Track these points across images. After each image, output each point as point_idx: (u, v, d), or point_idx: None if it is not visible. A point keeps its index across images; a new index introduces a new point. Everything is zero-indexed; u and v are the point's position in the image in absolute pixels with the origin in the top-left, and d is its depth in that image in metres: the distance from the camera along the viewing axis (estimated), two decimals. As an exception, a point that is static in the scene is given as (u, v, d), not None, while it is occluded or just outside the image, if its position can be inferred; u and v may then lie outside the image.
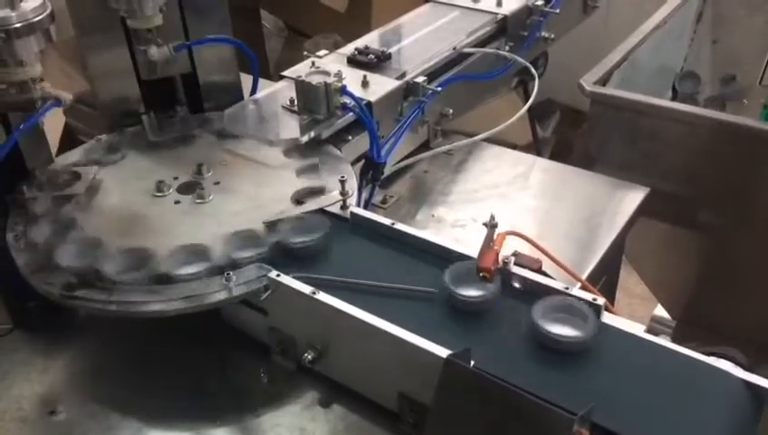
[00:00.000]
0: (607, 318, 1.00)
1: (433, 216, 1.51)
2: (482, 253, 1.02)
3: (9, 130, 1.25)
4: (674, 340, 0.98)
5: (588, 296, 1.01)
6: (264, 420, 1.08)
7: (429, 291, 1.05)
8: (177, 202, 1.25)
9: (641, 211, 1.50)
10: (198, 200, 1.25)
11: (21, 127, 1.21)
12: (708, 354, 0.95)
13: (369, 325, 0.97)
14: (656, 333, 1.00)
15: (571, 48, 2.17)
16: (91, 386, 1.17)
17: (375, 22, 2.78)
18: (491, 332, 0.99)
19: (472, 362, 0.87)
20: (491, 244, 1.03)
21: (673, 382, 0.91)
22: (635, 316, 2.40)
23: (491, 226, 1.03)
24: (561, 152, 3.20)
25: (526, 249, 1.14)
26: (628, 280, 2.55)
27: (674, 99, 2.33)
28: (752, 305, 1.92)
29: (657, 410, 0.88)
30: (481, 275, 1.01)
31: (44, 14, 1.15)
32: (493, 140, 1.72)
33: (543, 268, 1.11)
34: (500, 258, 1.05)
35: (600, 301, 0.99)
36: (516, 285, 1.05)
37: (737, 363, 0.94)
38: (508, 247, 1.10)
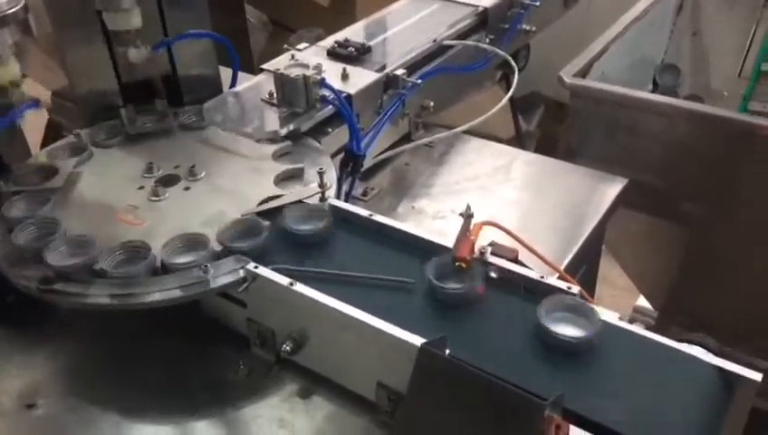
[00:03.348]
0: (583, 307, 1.01)
1: (413, 208, 1.51)
2: (458, 242, 1.03)
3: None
4: (656, 330, 0.99)
5: (563, 285, 1.02)
6: (244, 411, 1.08)
7: (407, 281, 1.06)
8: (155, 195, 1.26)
9: (620, 202, 1.52)
10: (153, 198, 1.25)
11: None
12: (681, 341, 0.96)
13: (345, 315, 0.97)
14: (632, 322, 1.01)
15: (556, 41, 2.18)
16: (71, 380, 1.17)
17: (359, 16, 2.78)
18: (471, 322, 1.00)
19: (447, 351, 0.88)
20: (467, 233, 1.04)
21: (645, 368, 0.92)
22: (618, 308, 2.40)
23: (467, 216, 1.04)
24: (545, 146, 3.21)
25: (506, 240, 1.15)
26: (612, 272, 2.57)
27: (654, 91, 2.34)
28: (732, 295, 1.94)
29: (628, 395, 0.89)
30: (457, 264, 1.01)
31: (18, 7, 1.15)
32: (477, 135, 1.72)
33: (522, 259, 1.12)
34: (476, 248, 1.05)
35: (575, 289, 1.00)
36: (493, 274, 1.05)
37: (709, 350, 0.96)
38: (487, 238, 1.11)
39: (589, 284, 1.61)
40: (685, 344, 0.96)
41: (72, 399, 1.12)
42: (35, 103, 1.27)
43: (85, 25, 1.37)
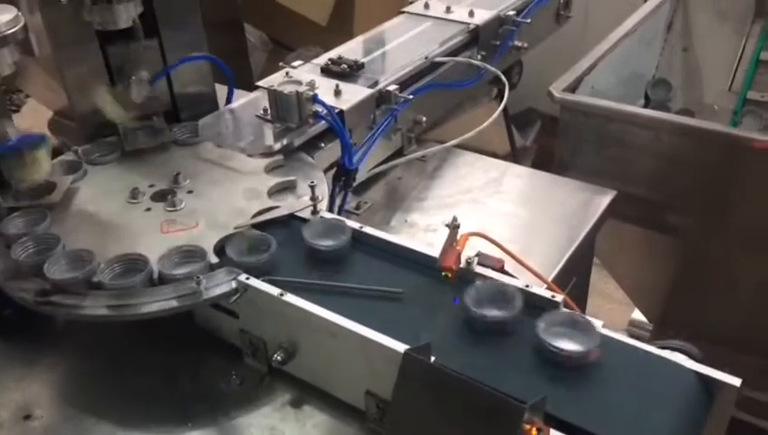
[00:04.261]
0: (563, 314, 1.03)
1: (406, 221, 1.54)
2: (443, 252, 1.05)
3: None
4: (651, 342, 1.01)
5: (548, 295, 1.04)
6: (237, 421, 1.10)
7: (396, 291, 1.08)
8: (148, 209, 1.28)
9: (609, 213, 1.54)
10: (170, 208, 1.28)
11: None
12: (663, 348, 0.98)
13: (331, 323, 0.99)
14: (631, 336, 1.03)
15: (553, 58, 2.21)
16: (67, 391, 1.19)
17: (357, 34, 2.82)
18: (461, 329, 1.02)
19: (433, 358, 0.90)
20: (454, 244, 1.06)
21: (628, 374, 0.94)
22: (614, 321, 2.44)
23: (453, 226, 1.06)
24: (542, 161, 3.23)
25: (496, 252, 1.17)
26: (608, 285, 2.59)
27: (646, 106, 2.38)
28: (725, 306, 1.95)
29: (611, 401, 0.91)
30: (443, 274, 1.03)
31: (18, 27, 1.18)
32: (474, 150, 1.75)
33: (511, 270, 1.14)
34: (463, 258, 1.08)
35: (559, 298, 1.02)
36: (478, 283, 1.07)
37: (691, 356, 0.97)
38: (475, 249, 1.13)
39: (580, 296, 1.63)
40: (666, 351, 0.97)
41: (68, 409, 1.14)
42: (41, 138, 1.31)
43: (84, 44, 1.40)
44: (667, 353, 0.96)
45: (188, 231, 1.22)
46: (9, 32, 1.17)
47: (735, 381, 0.91)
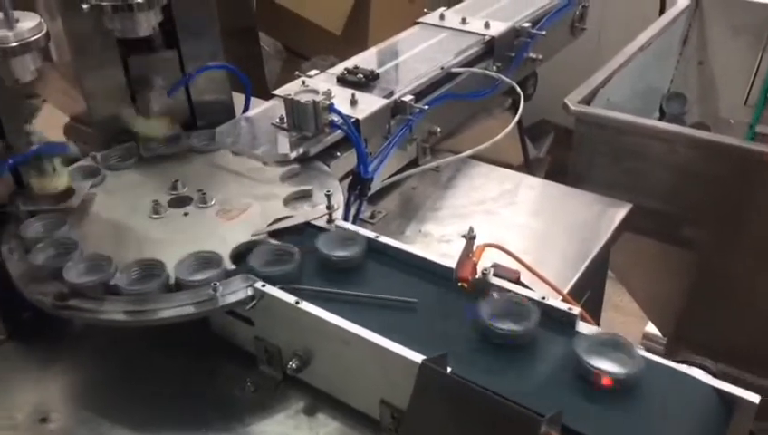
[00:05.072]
0: (582, 327, 1.03)
1: (420, 231, 1.54)
2: (460, 263, 1.05)
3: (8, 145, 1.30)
4: (664, 356, 1.01)
5: (564, 307, 1.03)
6: (251, 428, 1.11)
7: (410, 301, 1.08)
8: (164, 215, 1.29)
9: (624, 226, 1.53)
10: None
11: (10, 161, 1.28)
12: (681, 363, 0.98)
13: (348, 333, 0.99)
14: (645, 349, 1.02)
15: (567, 70, 2.21)
16: (83, 395, 1.20)
17: (371, 44, 2.84)
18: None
19: (449, 369, 0.90)
20: (470, 255, 1.06)
21: (645, 388, 0.94)
22: (628, 335, 2.42)
23: (469, 237, 1.06)
24: (556, 173, 3.23)
25: (511, 263, 1.17)
26: (623, 299, 2.58)
27: (662, 119, 2.37)
28: (740, 320, 1.94)
29: (627, 415, 0.90)
30: (459, 284, 1.04)
31: (40, 34, 1.19)
32: (487, 161, 1.76)
33: (526, 282, 1.14)
34: (479, 269, 1.08)
35: (576, 310, 1.02)
36: (495, 295, 1.07)
37: (708, 371, 0.97)
38: (491, 260, 1.13)
39: (594, 308, 1.62)
40: (684, 366, 0.97)
41: (84, 413, 1.15)
42: (64, 148, 1.33)
43: (102, 50, 1.42)
44: (684, 368, 0.95)
45: (246, 213, 1.27)
46: (32, 39, 1.18)
47: (754, 398, 0.90)
